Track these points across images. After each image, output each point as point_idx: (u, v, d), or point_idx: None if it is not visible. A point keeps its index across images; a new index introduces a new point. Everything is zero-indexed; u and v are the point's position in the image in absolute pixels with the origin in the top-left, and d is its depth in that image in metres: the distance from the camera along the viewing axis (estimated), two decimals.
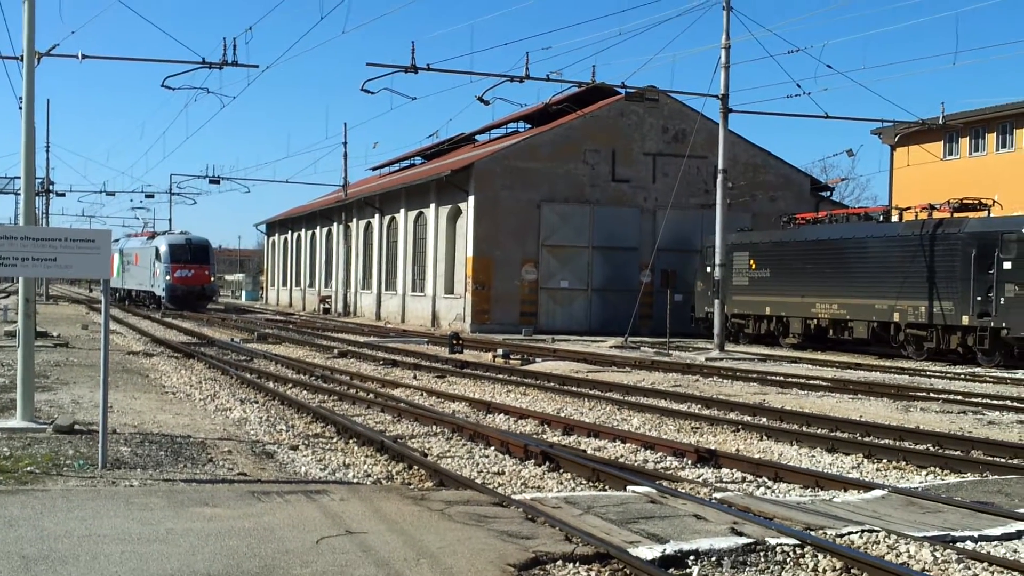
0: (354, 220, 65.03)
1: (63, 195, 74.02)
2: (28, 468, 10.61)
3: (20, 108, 15.49)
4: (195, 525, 8.30)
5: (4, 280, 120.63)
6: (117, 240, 78.38)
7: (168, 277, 61.59)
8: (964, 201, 33.54)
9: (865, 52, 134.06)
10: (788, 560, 8.02)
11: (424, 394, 20.23)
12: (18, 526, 8.09)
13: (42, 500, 9.06)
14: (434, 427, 15.63)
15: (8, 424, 13.04)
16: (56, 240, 10.91)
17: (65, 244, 10.87)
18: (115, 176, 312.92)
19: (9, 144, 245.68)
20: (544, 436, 15.10)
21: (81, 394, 17.24)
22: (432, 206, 51.81)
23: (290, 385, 21.22)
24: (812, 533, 8.63)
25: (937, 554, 8.25)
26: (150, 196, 77.39)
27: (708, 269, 39.17)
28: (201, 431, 14.06)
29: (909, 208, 35.94)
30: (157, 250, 63.34)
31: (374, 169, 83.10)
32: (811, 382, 23.84)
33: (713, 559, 7.94)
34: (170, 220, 79.46)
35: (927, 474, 12.96)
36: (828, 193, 54.47)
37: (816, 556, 8.04)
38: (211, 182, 68.41)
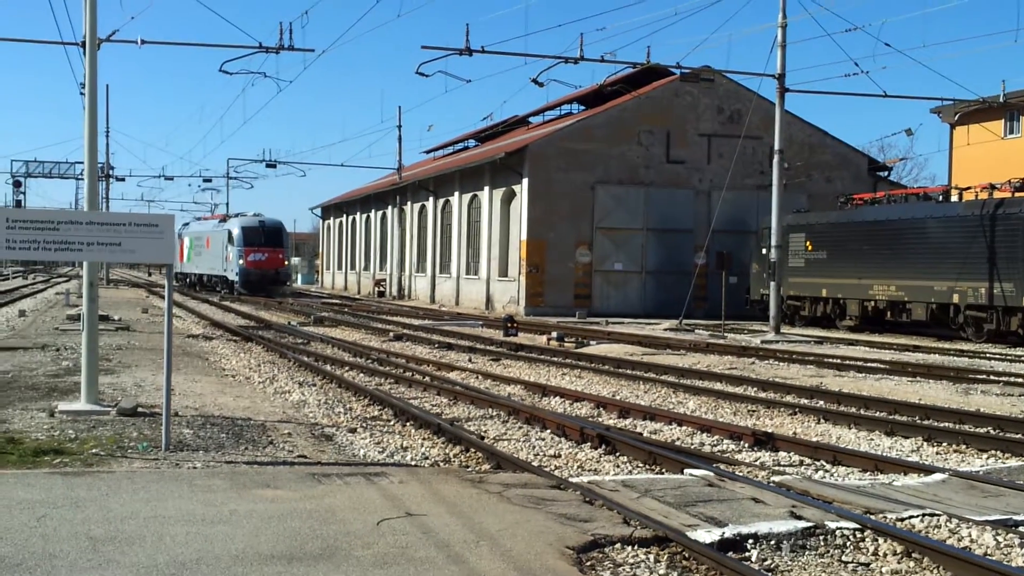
0: (408, 203, 65.25)
1: (123, 180, 75.24)
2: (93, 450, 10.80)
3: (82, 94, 15.73)
4: (258, 507, 8.42)
5: (65, 264, 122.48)
6: (187, 224, 78.45)
7: (241, 261, 59.89)
8: None
9: (924, 29, 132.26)
10: (848, 544, 8.00)
11: (479, 377, 20.30)
12: (85, 507, 8.24)
13: (108, 482, 9.22)
14: (490, 410, 15.70)
15: (73, 407, 13.27)
16: (120, 225, 11.05)
17: (129, 229, 11.01)
18: (174, 161, 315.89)
19: (69, 129, 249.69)
20: (600, 419, 15.12)
21: (143, 377, 17.49)
22: (486, 189, 51.87)
23: (347, 368, 21.38)
24: (872, 517, 8.61)
25: (999, 538, 8.19)
26: (208, 180, 78.24)
27: (764, 251, 38.93)
28: (261, 414, 14.23)
29: (969, 188, 35.46)
30: (230, 233, 61.70)
31: (428, 152, 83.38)
32: (869, 364, 23.64)
33: (772, 543, 7.94)
34: (227, 204, 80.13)
35: (988, 457, 12.85)
36: (886, 173, 53.89)
37: (876, 540, 8.01)
38: (268, 166, 68.80)
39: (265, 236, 60.94)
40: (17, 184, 64.20)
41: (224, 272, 63.38)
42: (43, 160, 73.39)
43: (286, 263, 63.21)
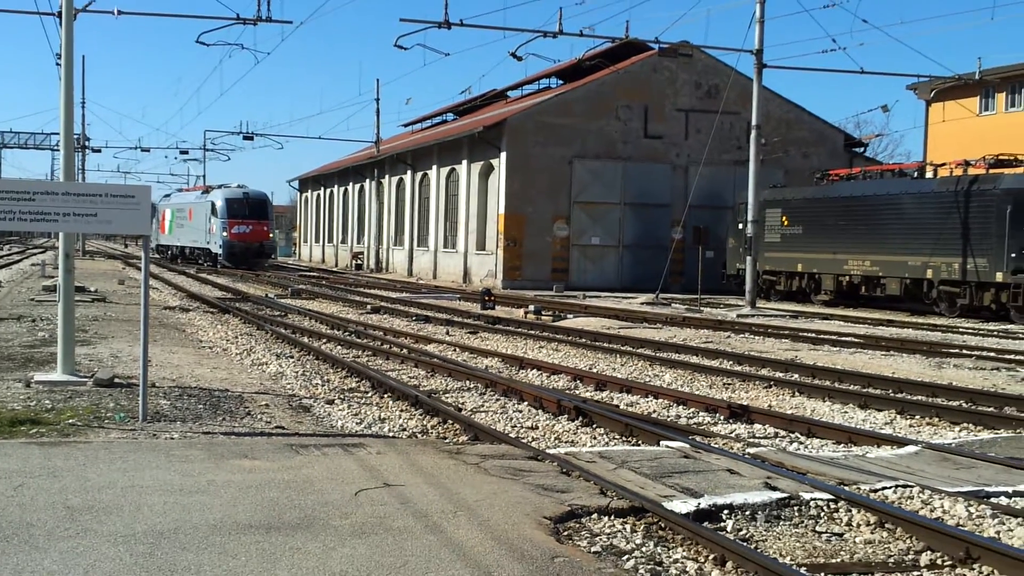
0: (387, 176, 65.08)
1: (99, 151, 74.78)
2: (70, 420, 10.79)
3: (58, 64, 15.62)
4: (235, 477, 8.43)
5: (41, 235, 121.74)
6: (168, 195, 77.34)
7: (225, 233, 58.44)
8: (1000, 157, 33.22)
9: (902, 6, 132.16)
10: (822, 514, 8.08)
11: (457, 350, 20.33)
12: (62, 477, 8.24)
13: (85, 452, 9.21)
14: (467, 382, 15.74)
15: (49, 377, 13.24)
16: (96, 196, 11.00)
17: (105, 200, 10.96)
18: (150, 132, 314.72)
19: (45, 100, 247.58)
20: (577, 391, 15.18)
21: (120, 348, 17.44)
22: (464, 162, 51.80)
23: (324, 340, 21.37)
24: (846, 488, 8.69)
25: (971, 509, 8.29)
26: (184, 152, 77.99)
27: (740, 226, 39.06)
28: (238, 385, 14.22)
29: (944, 164, 35.68)
30: (213, 205, 60.19)
31: (406, 125, 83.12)
32: (843, 339, 23.79)
33: (747, 513, 8.02)
34: (204, 176, 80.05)
35: (960, 430, 12.96)
36: (862, 149, 54.10)
37: (850, 510, 8.09)
38: (245, 138, 68.50)
39: (249, 208, 59.56)
40: None
41: (207, 244, 61.91)
42: (19, 131, 72.88)
43: (271, 235, 61.69)
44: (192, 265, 60.69)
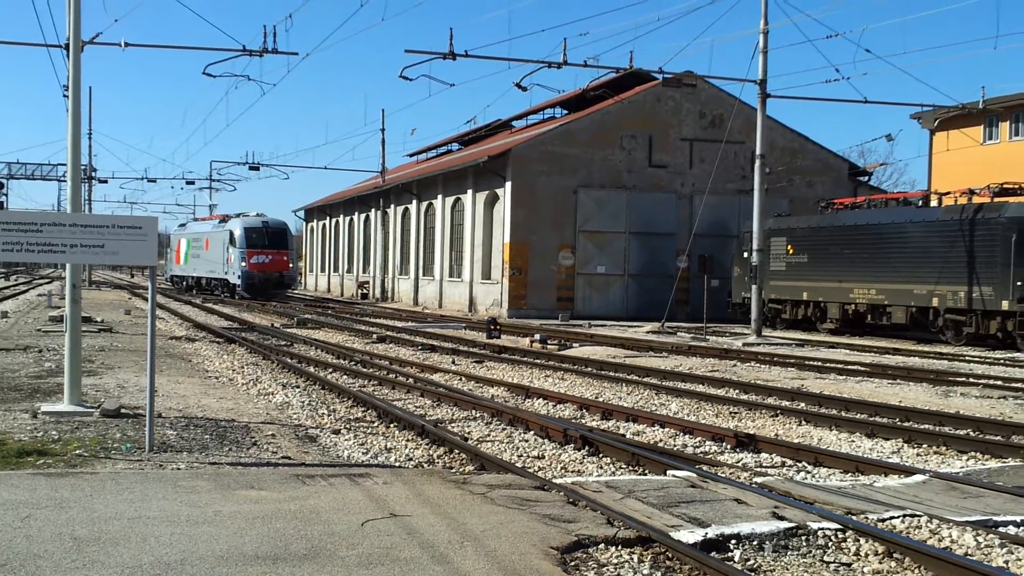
0: (392, 206, 65.19)
1: (105, 182, 74.92)
2: (77, 451, 10.79)
3: (65, 96, 15.71)
4: (242, 508, 8.42)
5: (47, 266, 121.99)
6: (183, 224, 76.90)
7: (244, 263, 57.00)
8: (1004, 186, 33.24)
9: (905, 36, 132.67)
10: (830, 544, 8.06)
11: (463, 379, 20.33)
12: (69, 508, 8.24)
13: (91, 483, 9.21)
14: (473, 411, 15.73)
15: (56, 408, 13.24)
16: (103, 227, 11.03)
17: (112, 231, 10.99)
18: (156, 163, 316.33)
19: (51, 131, 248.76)
20: (583, 420, 15.17)
21: (126, 378, 17.45)
22: (469, 192, 51.90)
23: (330, 370, 21.37)
24: (854, 518, 8.67)
25: (980, 539, 8.26)
26: (191, 183, 78.16)
27: (745, 254, 39.06)
28: (245, 415, 14.22)
29: (948, 193, 35.71)
30: (231, 234, 58.59)
31: (412, 155, 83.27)
32: (849, 367, 23.75)
33: (755, 543, 7.99)
34: (210, 207, 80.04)
35: (968, 459, 12.94)
36: (866, 178, 54.15)
37: (858, 540, 8.07)
38: (251, 168, 68.59)
39: (269, 237, 58.18)
40: None
41: (225, 275, 60.49)
42: (25, 162, 73.03)
43: (291, 265, 60.16)
44: (202, 294, 59.94)
